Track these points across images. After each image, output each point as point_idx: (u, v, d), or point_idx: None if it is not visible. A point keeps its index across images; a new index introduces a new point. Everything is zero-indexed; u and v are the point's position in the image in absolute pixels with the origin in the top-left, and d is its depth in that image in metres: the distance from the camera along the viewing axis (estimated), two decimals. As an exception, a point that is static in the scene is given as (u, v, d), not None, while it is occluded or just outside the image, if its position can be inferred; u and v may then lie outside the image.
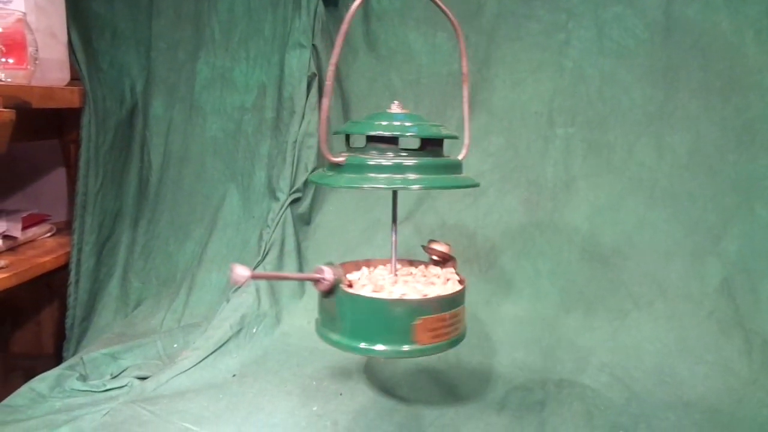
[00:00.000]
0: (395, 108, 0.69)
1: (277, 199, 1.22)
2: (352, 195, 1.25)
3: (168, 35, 1.27)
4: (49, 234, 1.24)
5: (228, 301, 1.12)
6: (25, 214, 1.17)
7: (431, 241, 0.76)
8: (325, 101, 0.63)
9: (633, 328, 1.04)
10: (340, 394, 0.92)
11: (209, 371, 0.98)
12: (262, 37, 1.26)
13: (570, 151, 1.16)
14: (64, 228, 1.27)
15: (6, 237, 1.10)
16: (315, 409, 0.88)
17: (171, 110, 1.29)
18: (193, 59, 1.28)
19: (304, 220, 1.25)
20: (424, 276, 0.75)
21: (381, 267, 0.78)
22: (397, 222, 0.74)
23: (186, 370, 0.97)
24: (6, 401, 0.91)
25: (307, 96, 1.22)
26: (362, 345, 0.65)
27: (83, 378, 0.98)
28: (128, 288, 1.25)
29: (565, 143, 1.17)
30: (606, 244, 1.10)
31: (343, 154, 0.66)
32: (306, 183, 1.22)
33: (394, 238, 0.74)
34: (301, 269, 1.20)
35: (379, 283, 0.70)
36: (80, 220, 1.16)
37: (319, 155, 1.23)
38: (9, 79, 0.94)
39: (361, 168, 0.64)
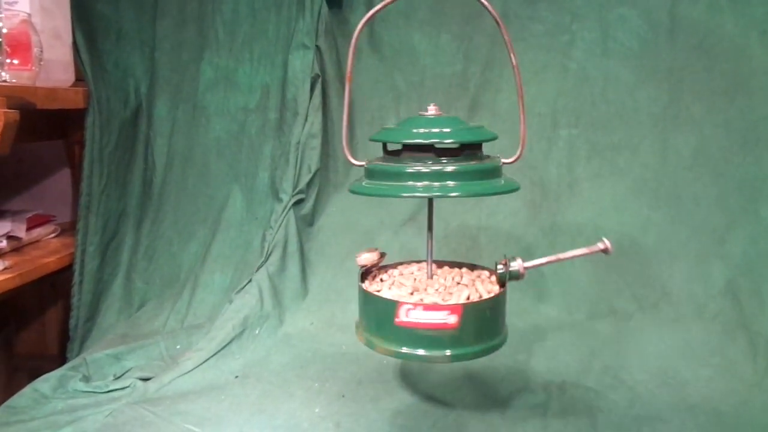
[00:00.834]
0: (432, 110, 0.69)
1: (280, 200, 1.22)
2: (355, 196, 1.25)
3: (172, 36, 1.28)
4: (53, 234, 1.25)
5: (231, 302, 1.13)
6: (29, 215, 1.17)
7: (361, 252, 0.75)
8: (345, 111, 0.68)
9: (637, 330, 1.04)
10: (343, 396, 0.92)
11: (212, 372, 0.98)
12: (265, 39, 1.26)
13: (574, 152, 1.16)
14: (69, 228, 1.27)
15: (10, 237, 1.11)
16: (317, 410, 0.88)
17: (175, 111, 1.29)
18: (197, 60, 1.28)
19: (307, 222, 1.25)
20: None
21: (413, 267, 0.78)
22: (433, 229, 0.74)
23: (189, 372, 0.97)
24: (9, 402, 0.92)
25: (311, 97, 1.22)
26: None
27: (86, 379, 0.99)
28: (132, 289, 1.25)
29: (569, 144, 1.17)
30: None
31: (377, 160, 0.67)
32: (309, 184, 1.22)
33: (430, 244, 0.74)
34: (303, 271, 1.20)
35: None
36: (84, 220, 1.16)
37: (322, 156, 1.23)
38: (14, 80, 0.95)
39: (400, 176, 0.64)
